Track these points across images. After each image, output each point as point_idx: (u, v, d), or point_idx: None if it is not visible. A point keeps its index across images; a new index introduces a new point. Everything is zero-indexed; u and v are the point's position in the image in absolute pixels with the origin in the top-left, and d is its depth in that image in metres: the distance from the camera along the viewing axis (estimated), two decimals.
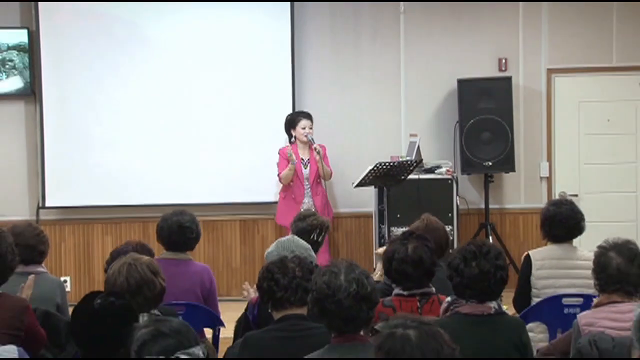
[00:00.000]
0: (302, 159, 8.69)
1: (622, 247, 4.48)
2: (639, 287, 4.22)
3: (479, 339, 4.20)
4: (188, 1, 9.16)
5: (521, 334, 4.41)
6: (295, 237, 5.29)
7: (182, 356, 2.93)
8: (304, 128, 8.63)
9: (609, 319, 4.24)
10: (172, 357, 2.93)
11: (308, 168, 8.68)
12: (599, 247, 4.56)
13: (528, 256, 5.76)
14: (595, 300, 4.59)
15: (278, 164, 8.71)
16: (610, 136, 9.65)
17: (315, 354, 3.74)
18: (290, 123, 8.79)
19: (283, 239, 5.20)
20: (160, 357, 2.97)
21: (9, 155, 9.28)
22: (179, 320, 3.21)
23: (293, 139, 8.78)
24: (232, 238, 9.50)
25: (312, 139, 8.57)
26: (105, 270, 5.09)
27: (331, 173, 8.76)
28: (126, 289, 4.18)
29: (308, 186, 8.69)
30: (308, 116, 8.75)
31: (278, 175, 8.72)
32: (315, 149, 8.52)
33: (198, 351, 2.98)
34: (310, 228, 5.73)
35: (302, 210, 8.05)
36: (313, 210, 8.31)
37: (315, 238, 5.68)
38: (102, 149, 9.26)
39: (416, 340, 2.91)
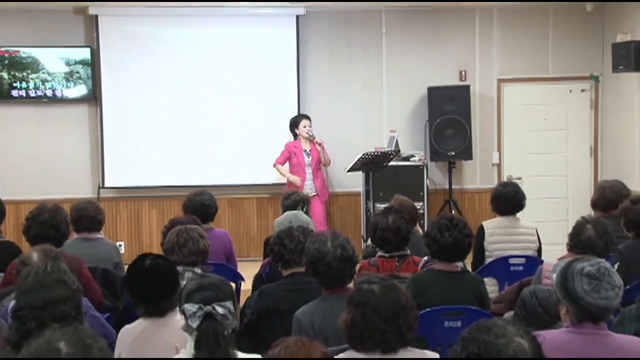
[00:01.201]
0: (305, 150, 8.67)
1: (598, 224, 4.47)
2: (599, 257, 4.21)
3: (449, 289, 4.24)
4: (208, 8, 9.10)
5: (480, 287, 4.44)
6: (300, 212, 5.32)
7: (218, 308, 2.92)
8: (304, 126, 8.62)
9: None
10: (209, 306, 2.92)
11: (310, 157, 8.66)
12: (582, 217, 4.59)
13: (482, 226, 5.77)
14: (561, 255, 4.59)
15: (280, 153, 8.71)
16: (546, 132, 9.65)
17: (311, 303, 3.76)
18: (294, 124, 8.78)
19: (290, 212, 5.23)
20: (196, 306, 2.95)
21: (76, 147, 9.26)
22: (218, 277, 3.19)
23: (297, 137, 8.76)
24: (250, 212, 9.49)
25: (313, 134, 8.58)
26: (162, 233, 5.13)
27: (330, 160, 8.76)
28: (175, 243, 4.28)
29: (310, 172, 8.66)
30: (307, 117, 8.77)
31: (275, 160, 8.68)
32: (317, 141, 8.54)
33: (230, 305, 2.96)
34: (294, 203, 5.79)
35: (304, 190, 8.22)
36: (314, 190, 8.38)
37: (300, 209, 5.72)
38: (148, 141, 9.23)
39: (379, 293, 2.97)
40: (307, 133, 8.59)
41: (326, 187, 8.89)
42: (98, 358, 2.20)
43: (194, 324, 2.89)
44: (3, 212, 5.41)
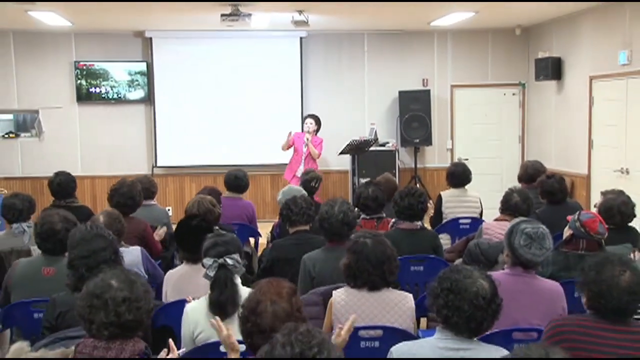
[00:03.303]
0: (304, 141, 8.13)
1: (522, 193, 4.49)
2: (523, 217, 4.17)
3: (412, 243, 4.22)
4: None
5: (435, 240, 4.43)
6: (292, 185, 5.31)
7: (227, 259, 2.88)
8: (306, 124, 8.21)
9: (500, 227, 4.22)
10: (221, 259, 2.88)
11: (305, 148, 8.03)
12: (509, 188, 4.61)
13: (440, 195, 5.73)
14: (496, 217, 4.57)
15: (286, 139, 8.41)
16: (486, 125, 9.62)
17: (316, 251, 3.72)
18: (303, 120, 8.51)
19: (285, 188, 5.21)
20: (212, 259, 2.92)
21: (135, 136, 9.21)
22: (230, 235, 3.14)
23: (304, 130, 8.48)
24: (265, 185, 9.44)
25: (308, 130, 8.04)
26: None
27: (319, 154, 8.08)
28: (197, 214, 4.16)
29: (303, 159, 8.06)
30: (312, 116, 8.26)
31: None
32: (306, 137, 7.98)
33: (237, 257, 2.92)
34: (310, 179, 5.71)
35: (297, 173, 7.84)
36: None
37: (314, 184, 5.67)
38: (189, 132, 9.16)
39: (370, 245, 2.99)
40: (307, 130, 8.12)
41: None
42: (140, 290, 2.31)
43: (211, 273, 2.88)
44: (74, 182, 5.33)
